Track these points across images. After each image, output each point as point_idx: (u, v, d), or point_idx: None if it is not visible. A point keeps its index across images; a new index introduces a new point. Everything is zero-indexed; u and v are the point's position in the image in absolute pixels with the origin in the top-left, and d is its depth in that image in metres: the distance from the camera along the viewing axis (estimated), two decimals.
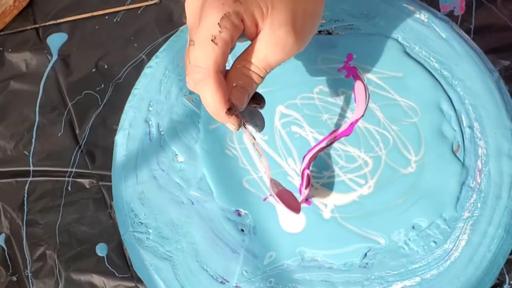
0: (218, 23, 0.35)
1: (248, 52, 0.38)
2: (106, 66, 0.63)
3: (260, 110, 0.41)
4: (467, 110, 0.49)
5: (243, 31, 0.37)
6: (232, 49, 0.38)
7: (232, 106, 0.37)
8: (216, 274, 0.48)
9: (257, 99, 0.41)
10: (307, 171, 0.50)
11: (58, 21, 0.65)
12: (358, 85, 0.51)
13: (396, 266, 0.47)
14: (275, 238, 0.49)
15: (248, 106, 0.39)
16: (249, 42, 0.38)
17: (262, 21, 0.37)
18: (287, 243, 0.48)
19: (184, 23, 0.61)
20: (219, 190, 0.50)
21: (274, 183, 0.45)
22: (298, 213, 0.46)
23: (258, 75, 0.38)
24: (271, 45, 0.37)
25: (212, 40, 0.35)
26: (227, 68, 0.38)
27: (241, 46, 0.39)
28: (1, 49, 0.65)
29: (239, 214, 0.50)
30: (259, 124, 0.41)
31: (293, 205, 0.45)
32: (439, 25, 0.51)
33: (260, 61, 0.37)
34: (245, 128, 0.40)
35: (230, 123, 0.38)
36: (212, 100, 0.36)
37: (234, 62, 0.38)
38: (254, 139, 0.41)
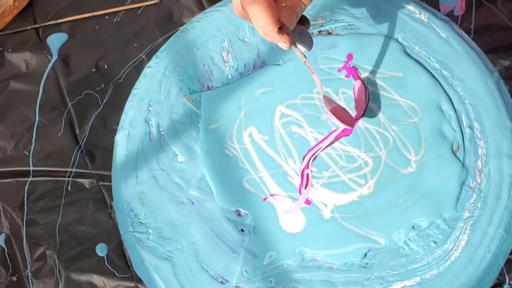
0: None
1: None
2: (106, 66, 0.63)
3: (307, 31, 0.43)
4: (467, 110, 0.49)
5: None
6: None
7: (282, 25, 0.38)
8: (216, 274, 0.48)
9: (303, 21, 0.42)
10: (307, 171, 0.50)
11: (58, 21, 0.65)
12: (358, 85, 0.51)
13: (396, 266, 0.47)
14: (275, 238, 0.49)
15: (296, 27, 0.41)
16: None
17: None
18: (287, 243, 0.48)
19: (184, 23, 0.61)
20: (219, 190, 0.50)
21: (328, 100, 0.47)
22: (353, 127, 0.48)
23: None
24: None
25: None
26: None
27: None
28: (1, 49, 0.65)
29: (239, 214, 0.50)
30: (308, 43, 0.42)
31: (347, 120, 0.47)
32: (439, 25, 0.51)
33: None
34: (296, 47, 0.41)
35: (281, 42, 0.39)
36: (263, 20, 0.38)
37: None
38: (305, 57, 0.42)
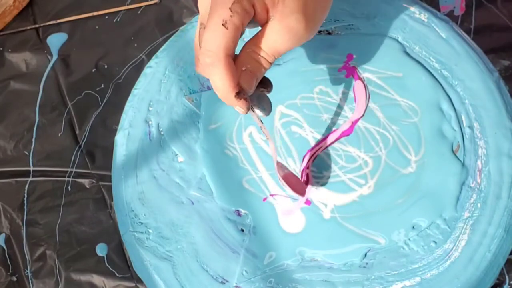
0: (230, 8, 0.35)
1: (258, 37, 0.38)
2: (106, 66, 0.63)
3: (267, 95, 0.42)
4: (467, 110, 0.49)
5: (254, 16, 0.37)
6: (241, 34, 0.38)
7: (241, 90, 0.37)
8: (216, 274, 0.48)
9: (265, 84, 0.41)
10: (307, 171, 0.50)
11: (58, 21, 0.65)
12: (358, 85, 0.51)
13: (396, 266, 0.47)
14: (275, 238, 0.49)
15: (256, 91, 0.40)
16: (258, 28, 0.38)
17: (273, 7, 0.37)
18: (287, 243, 0.48)
19: (184, 23, 0.61)
20: (219, 190, 0.50)
21: (281, 166, 0.47)
22: (303, 196, 0.47)
23: (267, 60, 0.38)
24: (281, 32, 0.37)
25: (223, 25, 0.35)
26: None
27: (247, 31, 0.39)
28: (1, 49, 0.65)
29: (239, 214, 0.50)
30: (267, 108, 0.41)
31: (299, 189, 0.47)
32: (439, 25, 0.51)
33: (269, 47, 0.38)
34: (253, 111, 0.41)
35: (239, 107, 0.38)
36: (221, 84, 0.37)
37: (244, 46, 0.38)
38: (262, 122, 0.42)
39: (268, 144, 0.49)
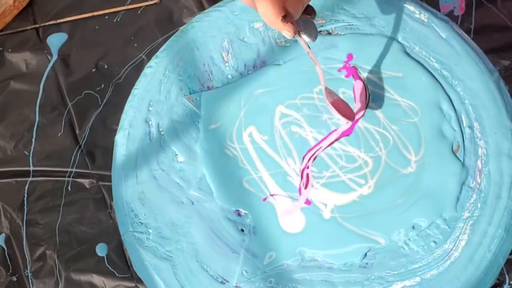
0: None
1: None
2: (106, 66, 0.63)
3: (313, 21, 0.43)
4: (467, 110, 0.49)
5: None
6: None
7: (287, 13, 0.38)
8: (216, 274, 0.49)
9: (308, 11, 0.42)
10: (307, 171, 0.50)
11: (58, 21, 0.65)
12: (358, 85, 0.51)
13: (396, 266, 0.47)
14: (275, 238, 0.49)
15: (301, 16, 0.41)
16: None
17: None
18: (287, 243, 0.48)
19: (184, 23, 0.61)
20: (219, 190, 0.50)
21: (329, 92, 0.47)
22: (353, 120, 0.48)
23: None
24: None
25: None
26: None
27: None
28: (1, 49, 0.65)
29: (239, 214, 0.50)
30: (313, 33, 0.42)
31: (348, 114, 0.47)
32: (439, 25, 0.51)
33: None
34: (300, 36, 0.41)
35: (285, 31, 0.39)
36: (268, 7, 0.38)
37: None
38: (309, 48, 0.42)
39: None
